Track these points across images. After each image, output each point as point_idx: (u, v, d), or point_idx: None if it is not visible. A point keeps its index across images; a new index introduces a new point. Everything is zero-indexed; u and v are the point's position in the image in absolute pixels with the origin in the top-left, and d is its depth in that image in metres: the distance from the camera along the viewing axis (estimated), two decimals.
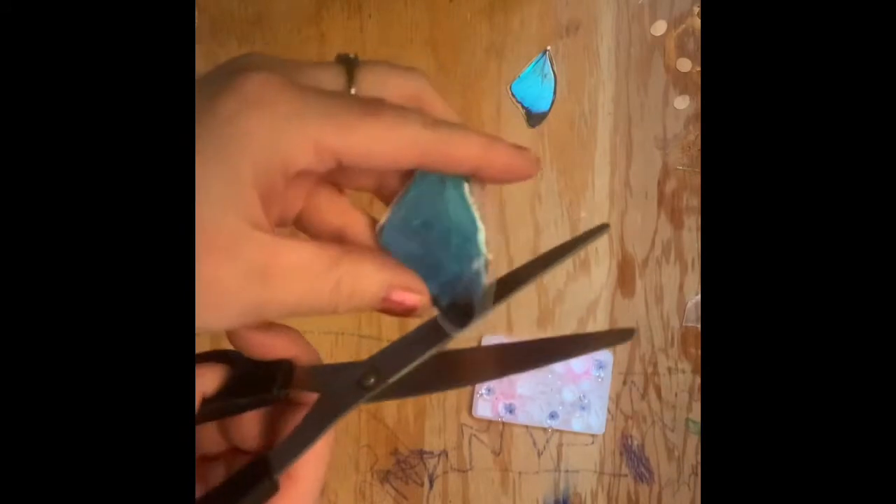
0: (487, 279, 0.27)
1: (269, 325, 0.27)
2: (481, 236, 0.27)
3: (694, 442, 0.54)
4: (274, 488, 0.26)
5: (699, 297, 0.54)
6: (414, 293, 0.26)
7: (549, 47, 0.54)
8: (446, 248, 0.27)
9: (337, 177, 0.27)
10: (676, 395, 0.54)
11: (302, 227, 0.27)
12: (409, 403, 0.55)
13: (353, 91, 0.25)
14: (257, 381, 0.27)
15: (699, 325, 0.54)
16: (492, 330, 0.55)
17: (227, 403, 0.27)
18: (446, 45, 0.54)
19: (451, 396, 0.55)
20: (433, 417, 0.55)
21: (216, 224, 0.23)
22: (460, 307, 0.27)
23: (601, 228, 0.28)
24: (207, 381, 0.27)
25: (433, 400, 0.55)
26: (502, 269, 0.59)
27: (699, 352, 0.54)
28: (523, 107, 0.54)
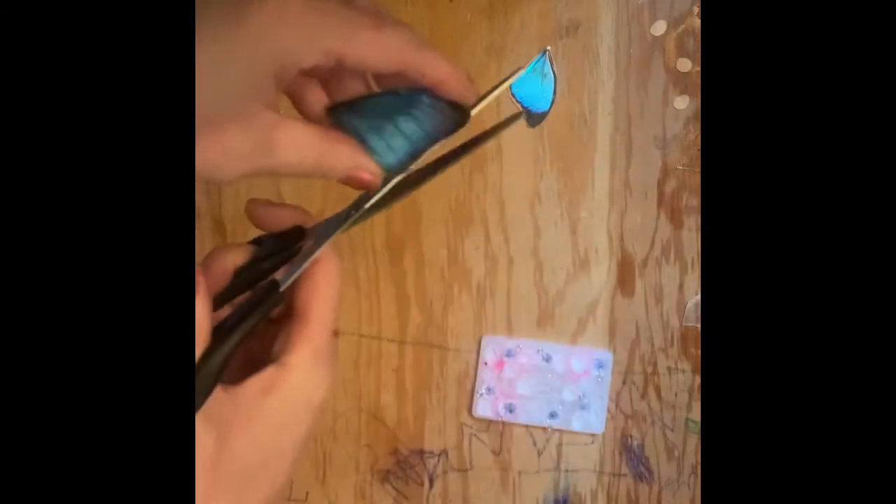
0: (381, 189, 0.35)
1: (280, 203, 0.36)
2: (406, 161, 0.34)
3: (694, 442, 0.54)
4: (280, 298, 0.34)
5: (699, 296, 0.54)
6: (371, 174, 0.34)
7: (549, 47, 0.54)
8: (378, 145, 0.33)
9: (334, 74, 0.35)
10: (676, 394, 0.54)
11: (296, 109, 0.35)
12: (409, 403, 0.55)
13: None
14: (279, 245, 0.35)
15: (699, 325, 0.54)
16: (492, 330, 0.55)
17: (256, 269, 0.35)
18: (446, 45, 0.54)
19: (451, 396, 0.55)
20: (433, 417, 0.55)
21: (240, 103, 0.30)
22: None
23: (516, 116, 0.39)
24: (237, 254, 0.35)
25: (433, 400, 0.55)
26: (503, 275, 0.59)
27: (699, 352, 0.54)
28: (523, 107, 0.54)
